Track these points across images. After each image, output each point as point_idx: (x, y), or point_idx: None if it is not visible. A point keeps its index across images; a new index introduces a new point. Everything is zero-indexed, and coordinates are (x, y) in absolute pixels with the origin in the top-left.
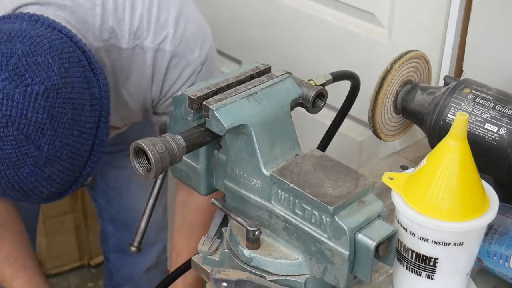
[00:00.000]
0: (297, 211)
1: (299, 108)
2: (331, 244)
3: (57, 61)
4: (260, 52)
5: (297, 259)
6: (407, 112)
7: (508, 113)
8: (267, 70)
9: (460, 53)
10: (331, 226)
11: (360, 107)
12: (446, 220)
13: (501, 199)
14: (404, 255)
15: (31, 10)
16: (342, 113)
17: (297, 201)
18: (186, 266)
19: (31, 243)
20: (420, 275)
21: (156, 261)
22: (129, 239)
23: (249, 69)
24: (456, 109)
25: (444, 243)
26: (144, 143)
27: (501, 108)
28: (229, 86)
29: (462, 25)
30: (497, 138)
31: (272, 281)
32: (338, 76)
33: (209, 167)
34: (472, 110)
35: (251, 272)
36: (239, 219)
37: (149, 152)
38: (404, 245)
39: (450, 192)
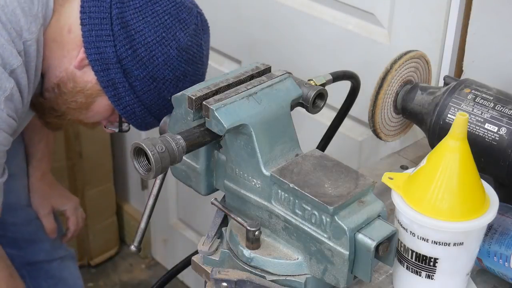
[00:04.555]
0: (297, 211)
1: (299, 108)
2: (331, 244)
3: None
4: (260, 52)
5: (297, 259)
6: (407, 112)
7: (508, 113)
8: (267, 70)
9: (460, 53)
10: (331, 226)
11: (360, 107)
12: (446, 220)
13: (501, 199)
14: (404, 255)
15: None
16: (342, 113)
17: (297, 201)
18: (185, 264)
19: None
20: (420, 275)
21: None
22: None
23: (249, 69)
24: (456, 109)
25: (444, 243)
26: (144, 143)
27: (501, 108)
28: (229, 86)
29: (462, 25)
30: (497, 138)
31: (272, 281)
32: (338, 76)
33: (209, 167)
34: (472, 110)
35: (251, 272)
36: (239, 219)
37: (149, 152)
38: (404, 245)
39: (450, 192)
